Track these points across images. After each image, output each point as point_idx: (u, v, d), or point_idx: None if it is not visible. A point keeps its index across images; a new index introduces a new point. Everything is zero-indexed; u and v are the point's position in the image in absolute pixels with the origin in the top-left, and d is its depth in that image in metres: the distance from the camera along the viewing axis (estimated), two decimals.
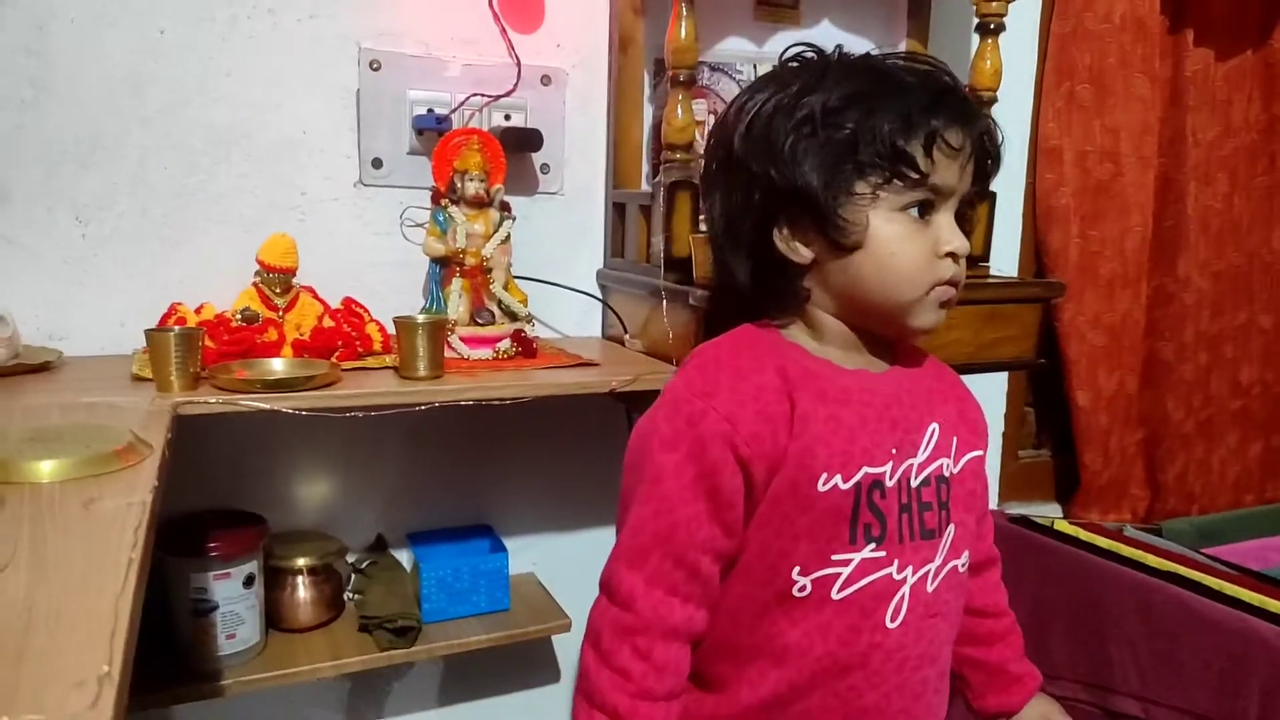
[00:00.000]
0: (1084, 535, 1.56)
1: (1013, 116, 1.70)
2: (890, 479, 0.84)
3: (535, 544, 1.48)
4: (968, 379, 1.79)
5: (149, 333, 1.00)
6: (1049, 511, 1.94)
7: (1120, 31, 1.74)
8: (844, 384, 0.85)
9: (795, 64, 0.88)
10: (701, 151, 1.02)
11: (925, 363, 0.96)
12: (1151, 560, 1.46)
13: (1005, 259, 1.77)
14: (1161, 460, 1.96)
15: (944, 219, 0.84)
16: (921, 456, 0.87)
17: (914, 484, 0.86)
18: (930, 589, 0.87)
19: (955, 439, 0.91)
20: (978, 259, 1.39)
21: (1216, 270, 1.96)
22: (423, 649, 1.23)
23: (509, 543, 1.40)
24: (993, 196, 1.36)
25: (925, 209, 0.83)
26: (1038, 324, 1.42)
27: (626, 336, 1.36)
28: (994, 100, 1.34)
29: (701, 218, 1.09)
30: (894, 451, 0.85)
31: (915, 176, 0.80)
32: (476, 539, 1.38)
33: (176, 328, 1.04)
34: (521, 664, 1.51)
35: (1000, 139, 0.87)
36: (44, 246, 1.17)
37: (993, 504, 1.88)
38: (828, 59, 0.87)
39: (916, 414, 0.88)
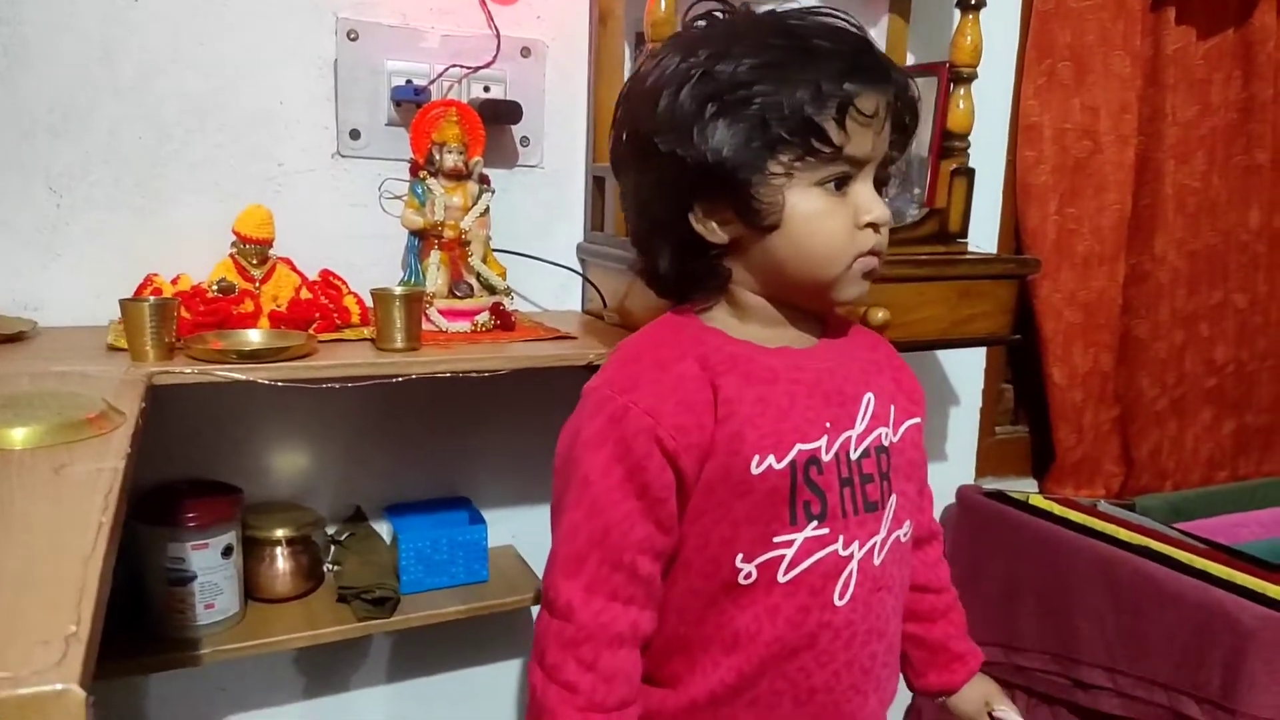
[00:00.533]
0: (1057, 510, 1.58)
1: (994, 93, 1.70)
2: (827, 453, 0.83)
3: (514, 516, 1.49)
4: (944, 354, 1.83)
5: (123, 302, 0.99)
6: (1024, 487, 1.96)
7: (1100, 9, 1.74)
8: (769, 363, 0.84)
9: (703, 25, 0.85)
10: None
11: (856, 334, 0.95)
12: (1123, 534, 1.48)
13: (984, 236, 1.78)
14: (1135, 437, 1.98)
15: (862, 189, 0.81)
16: (859, 428, 0.86)
17: (853, 456, 0.85)
18: (876, 562, 0.86)
19: (893, 407, 0.90)
20: (955, 235, 1.40)
21: (1193, 249, 1.97)
22: (400, 619, 1.23)
23: (488, 515, 1.40)
24: (971, 173, 1.37)
25: (842, 181, 0.80)
26: (1013, 300, 1.43)
27: (605, 310, 1.36)
28: (974, 76, 1.35)
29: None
30: (828, 425, 0.84)
31: (829, 150, 0.77)
32: (455, 511, 1.39)
33: (152, 298, 1.04)
34: (500, 635, 1.52)
35: (917, 97, 0.84)
36: (17, 217, 1.17)
37: (968, 479, 1.90)
38: (734, 23, 0.83)
39: (851, 385, 0.87)
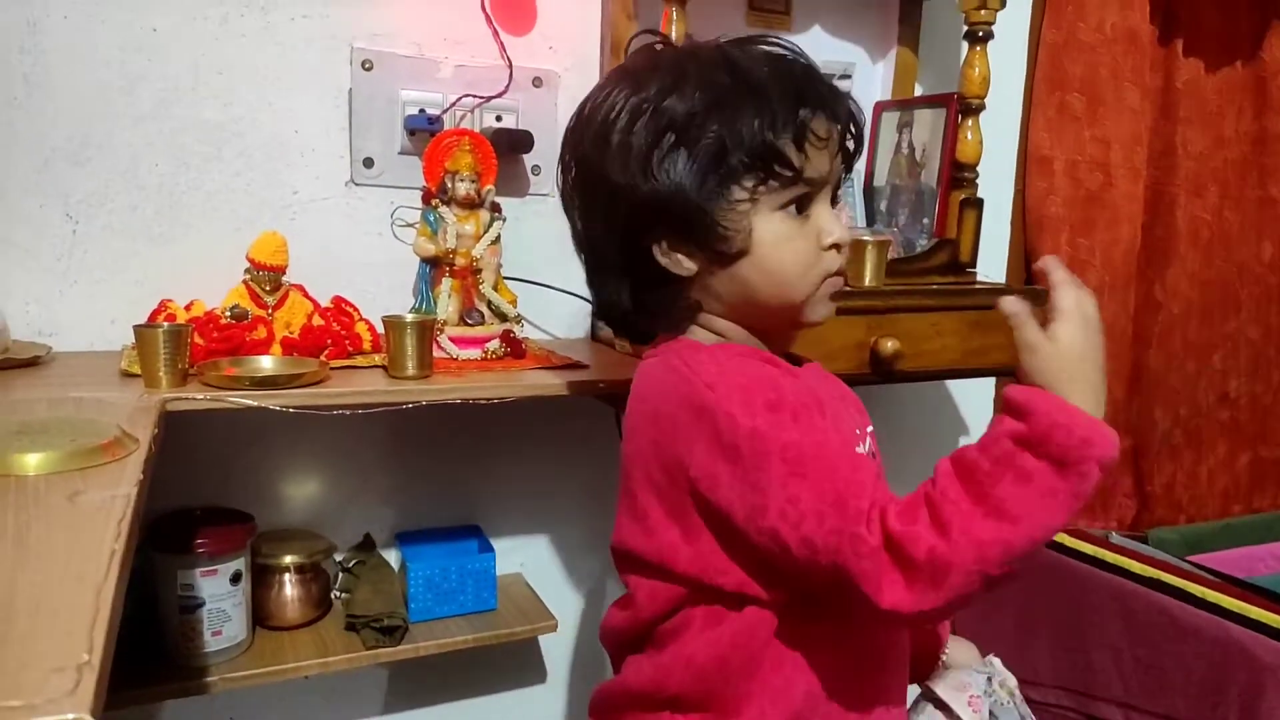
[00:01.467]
0: (1069, 542, 1.57)
1: (1002, 124, 1.71)
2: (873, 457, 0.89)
3: (523, 545, 1.49)
4: (956, 384, 1.82)
5: (137, 328, 1.00)
6: None
7: (1112, 42, 1.75)
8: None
9: (644, 59, 0.85)
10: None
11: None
12: (1135, 567, 1.47)
13: (994, 266, 1.78)
14: (1149, 469, 1.97)
15: (822, 210, 0.83)
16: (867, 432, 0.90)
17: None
18: None
19: (860, 425, 0.92)
20: (965, 265, 1.40)
21: (1205, 280, 1.97)
22: (409, 648, 1.23)
23: (497, 543, 1.40)
24: (980, 203, 1.38)
25: (803, 204, 0.81)
26: None
27: (616, 339, 1.36)
28: (982, 107, 1.36)
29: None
30: (857, 431, 0.88)
31: (790, 174, 0.79)
32: (464, 539, 1.38)
33: (165, 324, 1.04)
34: (509, 664, 1.51)
35: (863, 121, 0.86)
36: (35, 243, 1.18)
37: None
38: (681, 56, 0.83)
39: (835, 403, 0.90)
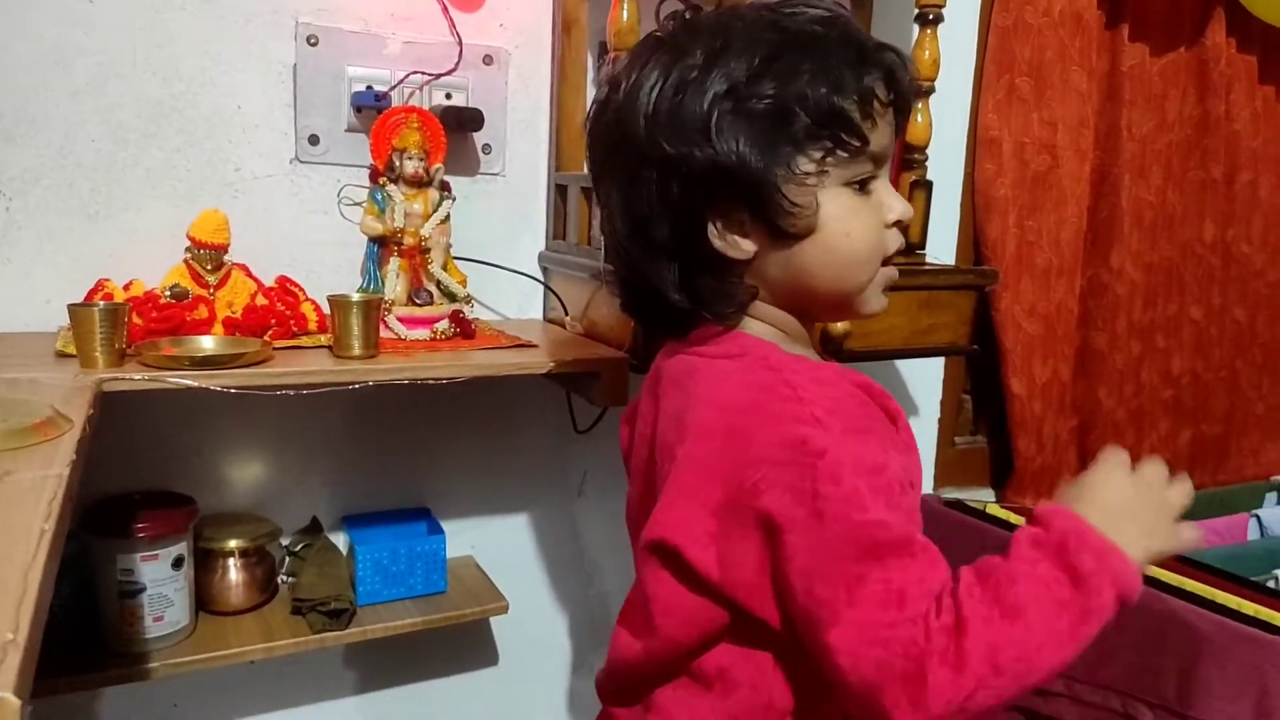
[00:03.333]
0: (1014, 519, 1.59)
1: (952, 107, 1.72)
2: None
3: (474, 527, 1.48)
4: (903, 366, 1.83)
5: (72, 307, 0.97)
6: (983, 496, 1.97)
7: (1059, 25, 1.77)
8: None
9: (680, 26, 0.78)
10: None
11: None
12: None
13: (943, 248, 1.79)
14: (1093, 447, 2.00)
15: (882, 185, 0.77)
16: None
17: None
18: None
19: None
20: (915, 246, 1.41)
21: (1149, 262, 2.01)
22: (357, 631, 1.22)
23: (447, 525, 1.39)
24: (929, 185, 1.38)
25: (866, 182, 0.75)
26: (972, 311, 1.44)
27: (568, 319, 1.36)
28: (932, 89, 1.36)
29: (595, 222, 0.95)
30: None
31: (857, 144, 0.72)
32: (413, 522, 1.37)
33: (102, 303, 1.02)
34: (460, 646, 1.51)
35: (918, 87, 0.82)
36: None
37: (928, 489, 1.91)
38: (724, 18, 0.76)
39: None
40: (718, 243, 0.76)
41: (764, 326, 0.81)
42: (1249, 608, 1.26)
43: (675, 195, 0.74)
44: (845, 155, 0.73)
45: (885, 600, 0.66)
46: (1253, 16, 1.92)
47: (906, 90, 0.76)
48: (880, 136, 0.75)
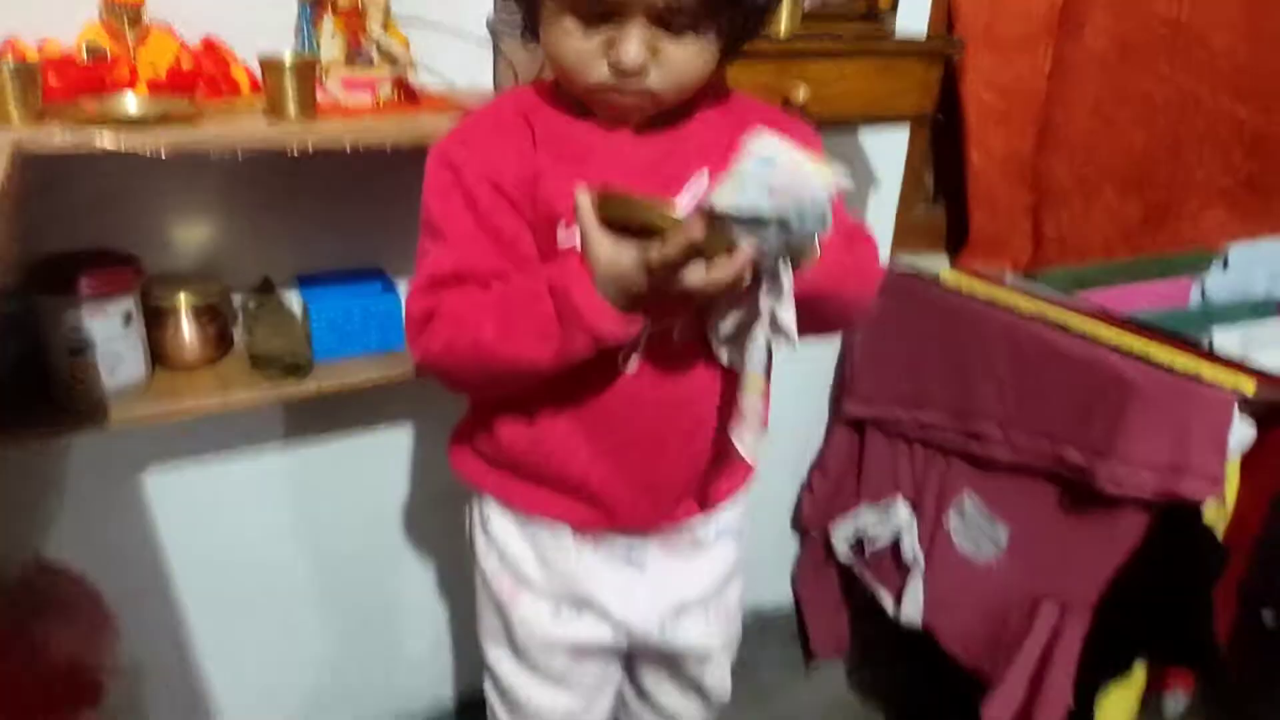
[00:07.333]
0: (964, 284, 1.62)
1: None
2: None
3: None
4: (867, 137, 1.81)
5: None
6: (937, 262, 1.99)
7: None
8: (590, 142, 0.92)
9: None
10: None
11: (733, 119, 0.94)
12: (1023, 304, 1.53)
13: (916, 19, 1.72)
14: (1044, 215, 2.02)
15: (624, 33, 0.83)
16: (682, 199, 0.90)
17: None
18: (676, 337, 0.93)
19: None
20: (883, 13, 1.37)
21: (1116, 34, 1.95)
22: (313, 385, 1.24)
23: (401, 285, 1.38)
24: None
25: (602, 19, 0.83)
26: (936, 81, 1.43)
27: (519, 86, 1.30)
28: None
29: None
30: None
31: None
32: (367, 281, 1.37)
33: (12, 60, 0.96)
34: (406, 398, 1.52)
35: None
36: None
37: (885, 256, 1.93)
38: None
39: (687, 168, 0.90)
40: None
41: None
42: (1180, 362, 1.32)
43: None
44: None
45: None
46: None
47: None
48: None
